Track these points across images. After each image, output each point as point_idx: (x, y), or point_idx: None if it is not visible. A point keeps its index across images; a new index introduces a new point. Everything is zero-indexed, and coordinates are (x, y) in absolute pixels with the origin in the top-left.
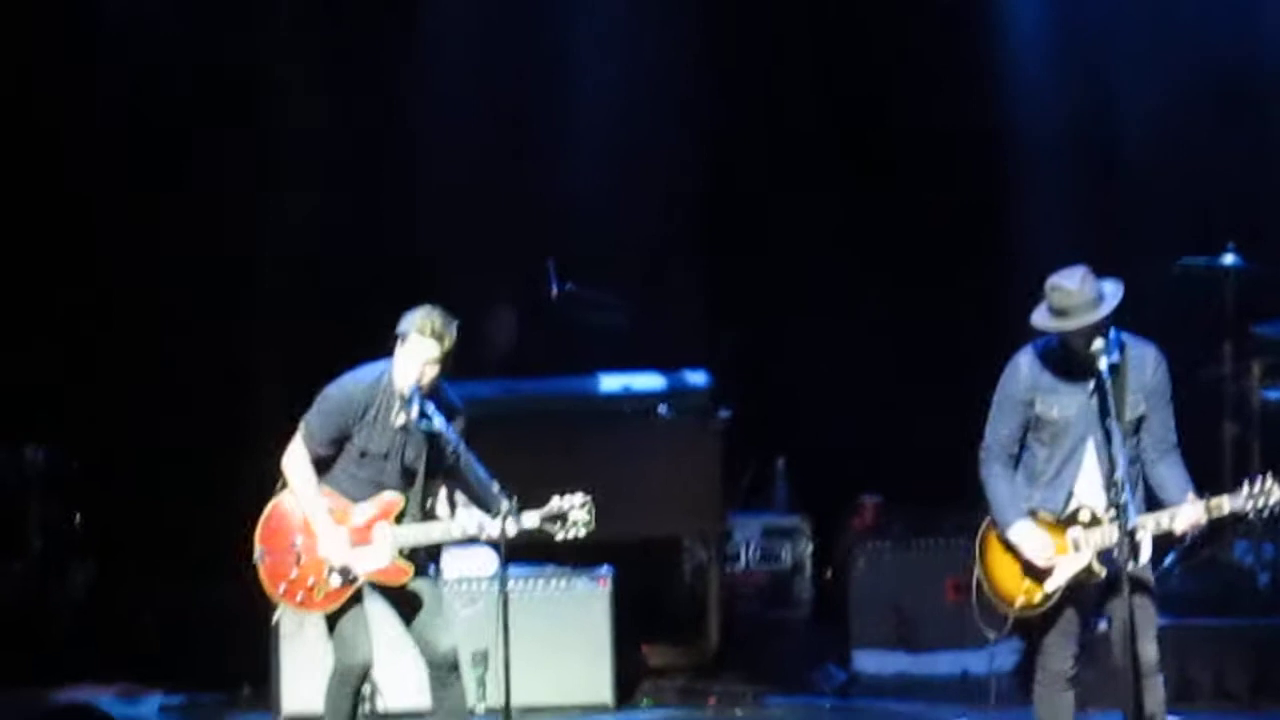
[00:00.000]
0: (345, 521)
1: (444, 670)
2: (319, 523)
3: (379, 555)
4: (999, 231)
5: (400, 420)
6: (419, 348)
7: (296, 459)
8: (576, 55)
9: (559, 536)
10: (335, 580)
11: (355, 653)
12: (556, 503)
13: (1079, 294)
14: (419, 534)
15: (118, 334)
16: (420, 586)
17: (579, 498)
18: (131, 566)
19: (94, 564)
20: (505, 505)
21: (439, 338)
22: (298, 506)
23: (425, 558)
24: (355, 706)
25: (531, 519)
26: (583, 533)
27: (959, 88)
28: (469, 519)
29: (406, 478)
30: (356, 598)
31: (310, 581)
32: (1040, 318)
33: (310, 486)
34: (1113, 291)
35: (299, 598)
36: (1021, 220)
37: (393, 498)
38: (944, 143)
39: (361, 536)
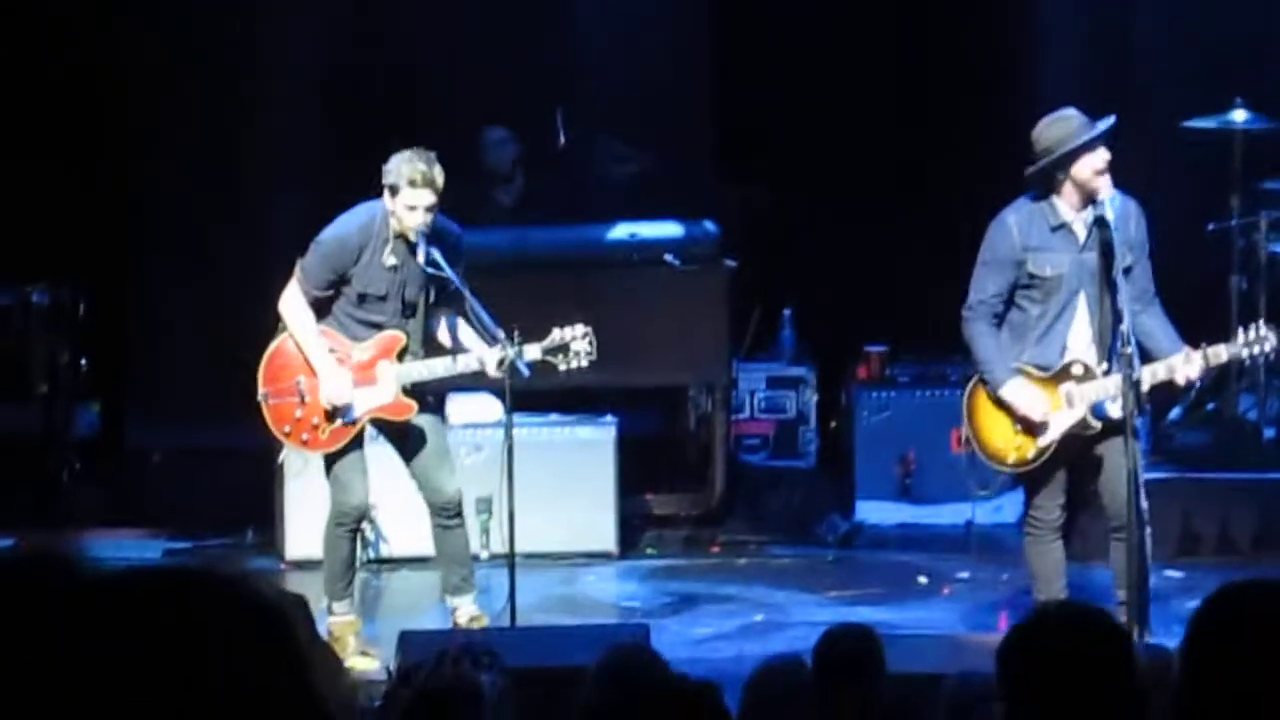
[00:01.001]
0: (347, 361)
1: (446, 515)
2: (321, 363)
3: (382, 392)
4: (1005, 82)
5: (392, 260)
6: (411, 197)
7: (294, 302)
8: None
9: (562, 368)
10: (339, 419)
11: (351, 494)
12: (558, 334)
13: (1072, 120)
14: (422, 369)
15: (119, 166)
16: (426, 430)
17: (580, 328)
18: (138, 408)
19: (100, 405)
20: (506, 341)
21: (429, 183)
22: (299, 348)
23: (432, 400)
24: (352, 549)
25: (534, 351)
26: (585, 363)
27: None
28: (472, 353)
29: (407, 315)
30: (358, 441)
31: (314, 421)
32: (1036, 164)
33: (309, 328)
34: (1106, 119)
35: (304, 438)
36: (1029, 75)
37: (394, 335)
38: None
39: (364, 375)
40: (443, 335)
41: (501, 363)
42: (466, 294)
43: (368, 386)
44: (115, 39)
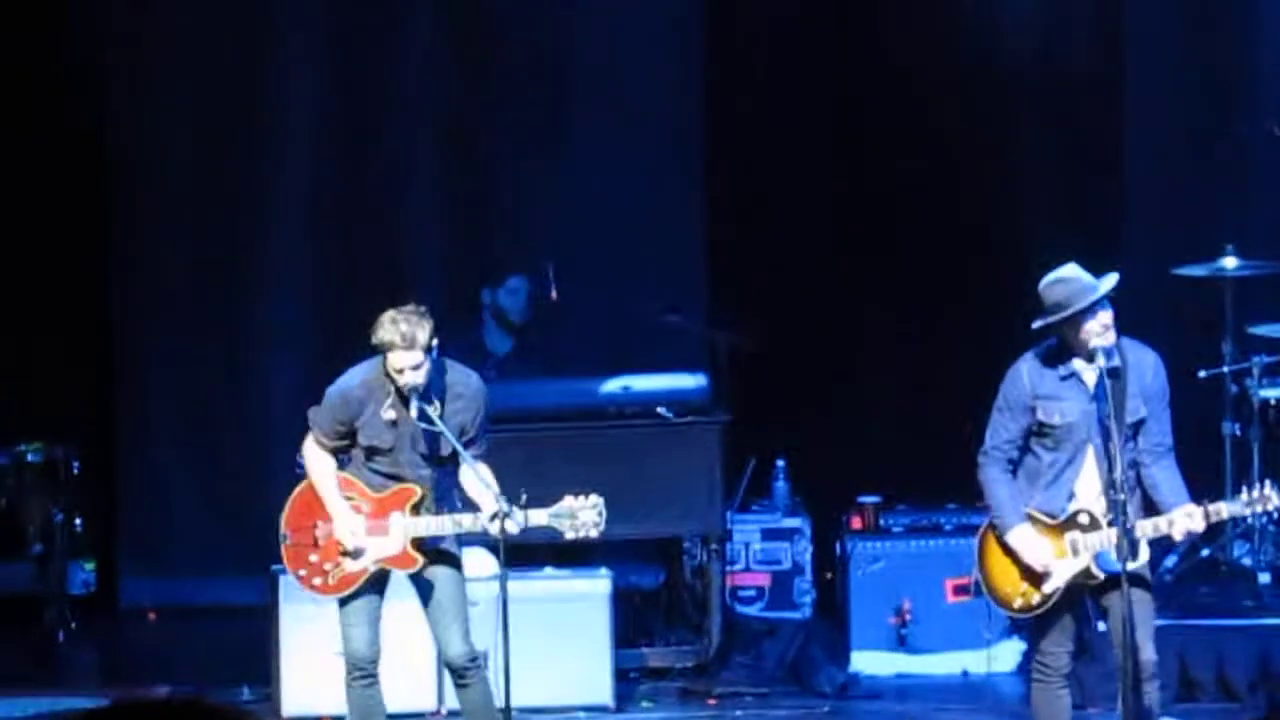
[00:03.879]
0: (362, 509)
1: (456, 671)
2: (334, 508)
3: (391, 544)
4: (1001, 237)
5: (391, 415)
6: (395, 360)
7: (312, 449)
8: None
9: (568, 535)
10: (349, 564)
11: (350, 643)
12: (569, 501)
13: (1072, 282)
14: (431, 524)
15: (112, 327)
16: (439, 586)
17: (592, 498)
18: (132, 567)
19: (94, 563)
20: (503, 504)
21: (410, 344)
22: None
23: (453, 551)
24: (364, 701)
25: (540, 516)
26: (593, 533)
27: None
28: (479, 513)
29: (422, 469)
30: (368, 591)
31: (327, 566)
32: (1041, 320)
33: (326, 475)
34: (1107, 280)
35: (315, 582)
36: (1022, 227)
37: (408, 487)
38: (947, 148)
39: (377, 524)
40: (468, 486)
41: (494, 516)
42: (460, 450)
43: (379, 536)
44: (110, 196)
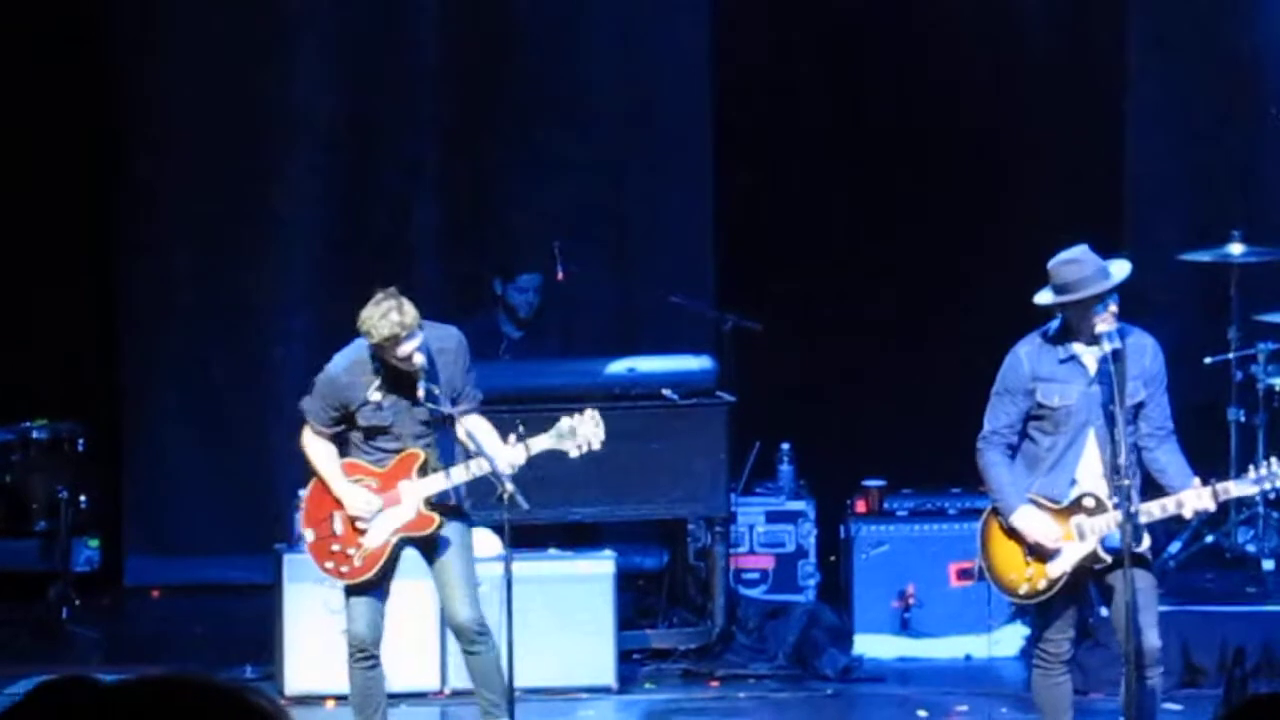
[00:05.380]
0: (371, 488)
1: (465, 639)
2: (344, 491)
3: (406, 510)
4: (1006, 221)
5: (377, 397)
6: (405, 348)
7: (310, 440)
8: None
9: (574, 454)
10: (369, 542)
11: (352, 623)
12: (566, 421)
13: (1087, 265)
14: (440, 480)
15: (117, 302)
16: (448, 554)
17: (587, 412)
18: (137, 544)
19: (99, 541)
20: (506, 483)
21: (410, 329)
22: (324, 484)
23: (462, 510)
24: (365, 683)
25: (542, 441)
26: (596, 445)
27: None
28: (483, 457)
29: (423, 435)
30: (385, 570)
31: (350, 551)
32: (1046, 296)
33: (328, 461)
34: (1119, 266)
35: (343, 570)
36: (1027, 212)
37: (411, 453)
38: (952, 132)
39: (389, 497)
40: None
41: (501, 498)
42: (455, 414)
43: (392, 508)
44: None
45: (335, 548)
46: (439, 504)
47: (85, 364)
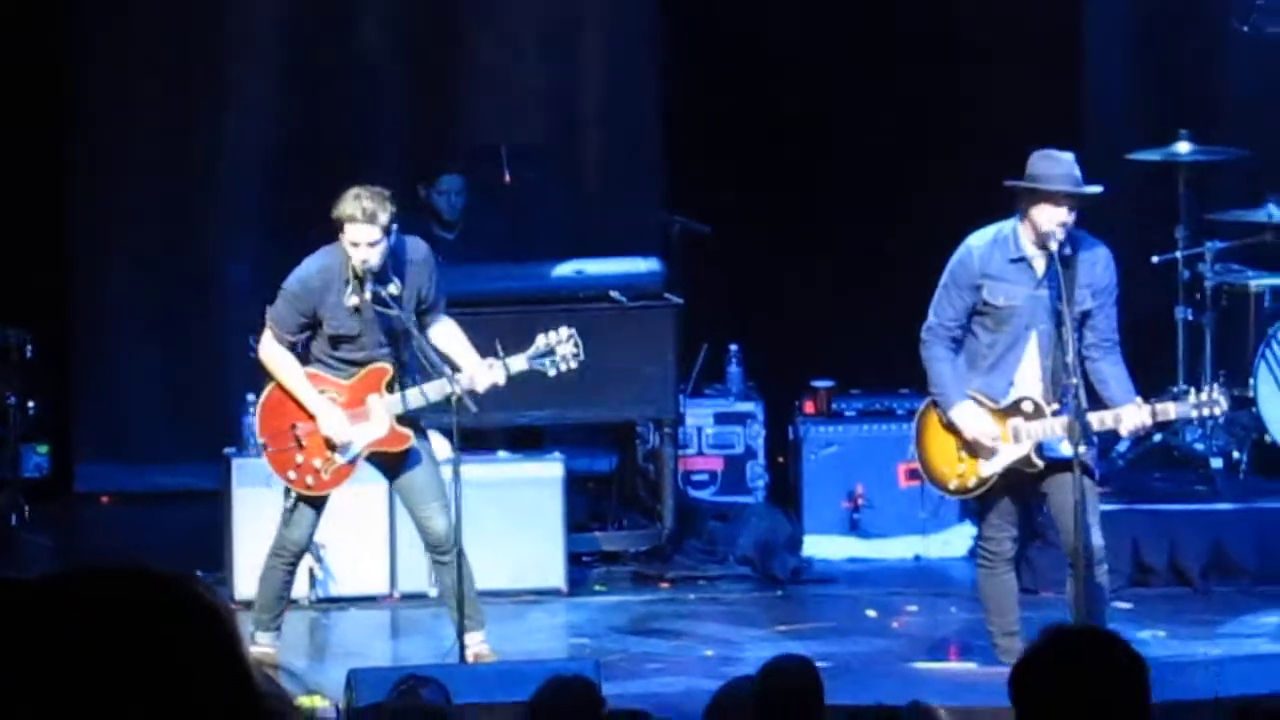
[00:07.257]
0: (337, 400)
1: (439, 551)
2: (313, 404)
3: (376, 426)
4: (958, 123)
5: (353, 301)
6: (351, 234)
7: (273, 350)
8: None
9: (551, 373)
10: (340, 458)
11: (294, 530)
12: (542, 340)
13: (1061, 165)
14: (412, 397)
15: (67, 208)
16: (416, 467)
17: (564, 331)
18: (86, 451)
19: (48, 447)
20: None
21: (369, 218)
22: (289, 394)
23: (424, 428)
24: (286, 583)
25: (519, 362)
26: (574, 365)
27: None
28: (458, 374)
29: (388, 349)
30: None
31: (316, 464)
32: (1015, 180)
33: (294, 372)
34: (1092, 188)
35: (309, 481)
36: (980, 115)
37: (379, 367)
38: (899, 34)
39: (357, 412)
40: (446, 348)
41: (449, 400)
42: (414, 331)
43: (362, 423)
44: (71, 84)
45: (300, 459)
46: (409, 421)
47: (33, 270)
